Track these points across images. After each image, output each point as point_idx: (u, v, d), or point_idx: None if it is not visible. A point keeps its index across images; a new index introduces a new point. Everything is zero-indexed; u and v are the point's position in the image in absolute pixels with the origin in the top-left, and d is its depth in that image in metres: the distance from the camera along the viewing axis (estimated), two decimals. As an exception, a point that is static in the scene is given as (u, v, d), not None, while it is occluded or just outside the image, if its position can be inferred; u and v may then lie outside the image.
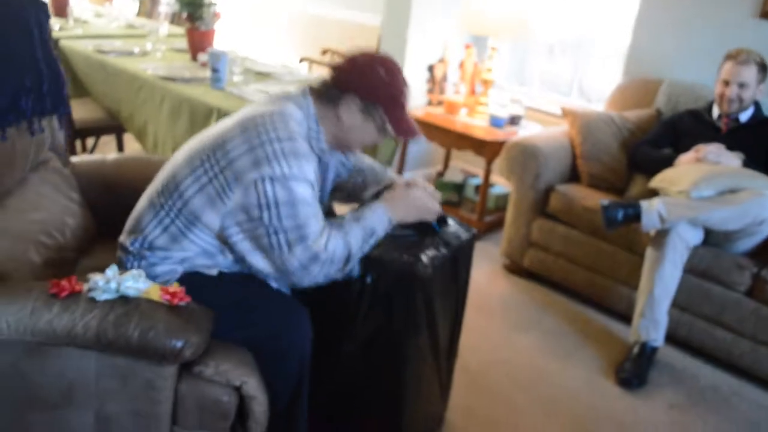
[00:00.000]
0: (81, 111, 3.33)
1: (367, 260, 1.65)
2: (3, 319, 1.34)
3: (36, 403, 1.42)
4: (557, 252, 3.04)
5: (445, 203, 3.52)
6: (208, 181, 1.53)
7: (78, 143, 3.61)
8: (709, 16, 3.27)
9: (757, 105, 2.80)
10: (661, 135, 2.97)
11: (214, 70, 2.97)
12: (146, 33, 4.02)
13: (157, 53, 3.56)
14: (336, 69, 1.64)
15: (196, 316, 1.42)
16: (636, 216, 2.48)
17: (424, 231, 1.78)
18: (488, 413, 2.24)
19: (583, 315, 2.96)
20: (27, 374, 1.40)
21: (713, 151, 2.64)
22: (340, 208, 1.87)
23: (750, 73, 2.69)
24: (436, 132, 3.69)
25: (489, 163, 3.48)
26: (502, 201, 3.75)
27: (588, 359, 2.63)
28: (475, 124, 3.63)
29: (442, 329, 1.84)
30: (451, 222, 1.90)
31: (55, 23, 3.73)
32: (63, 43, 3.49)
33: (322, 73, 3.16)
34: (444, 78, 3.99)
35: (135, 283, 1.42)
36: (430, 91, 3.96)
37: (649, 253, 2.55)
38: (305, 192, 1.51)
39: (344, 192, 1.96)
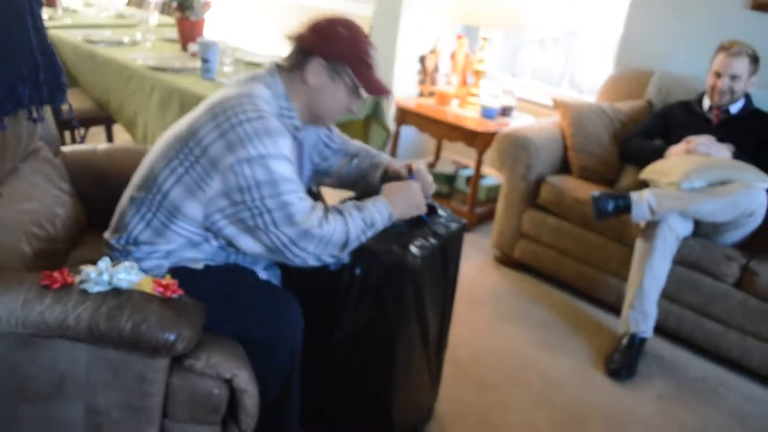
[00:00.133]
0: (70, 101, 3.29)
1: (356, 251, 1.64)
2: (-6, 310, 1.33)
3: (27, 394, 1.41)
4: (548, 243, 3.05)
5: (437, 194, 3.53)
6: (185, 172, 1.52)
7: (67, 134, 3.58)
8: (700, 8, 3.27)
9: (747, 97, 2.81)
10: (652, 126, 2.98)
11: (205, 61, 2.95)
12: (136, 23, 4.00)
13: (146, 43, 3.53)
14: (298, 36, 1.63)
15: (189, 309, 1.42)
16: (626, 207, 2.49)
17: (413, 221, 1.78)
18: (478, 404, 2.26)
19: (573, 306, 2.98)
20: (18, 366, 1.39)
21: (704, 142, 2.65)
22: (332, 198, 1.87)
23: (742, 66, 2.70)
24: (427, 123, 3.69)
25: (480, 154, 3.49)
26: (493, 192, 3.76)
27: (578, 350, 2.64)
28: (467, 115, 3.63)
29: (431, 320, 1.85)
30: (441, 212, 1.91)
31: (44, 13, 3.69)
32: (52, 32, 3.44)
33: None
34: (435, 69, 3.99)
35: (127, 275, 1.41)
36: (422, 82, 3.96)
37: (639, 244, 2.57)
38: (284, 169, 1.50)
39: (335, 177, 1.94)
